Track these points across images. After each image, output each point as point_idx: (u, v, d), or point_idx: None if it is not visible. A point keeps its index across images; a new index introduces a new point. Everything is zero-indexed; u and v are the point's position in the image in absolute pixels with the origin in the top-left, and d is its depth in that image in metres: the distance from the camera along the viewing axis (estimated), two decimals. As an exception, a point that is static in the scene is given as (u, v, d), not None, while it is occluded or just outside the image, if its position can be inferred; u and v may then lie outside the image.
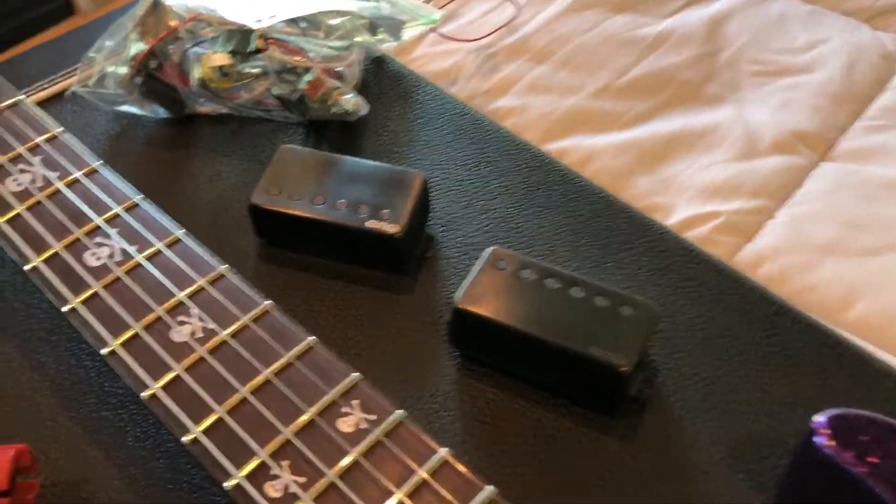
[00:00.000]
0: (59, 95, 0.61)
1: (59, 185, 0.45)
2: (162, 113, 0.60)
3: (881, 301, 0.65)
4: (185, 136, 0.59)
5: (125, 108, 0.59)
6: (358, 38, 0.60)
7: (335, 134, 0.59)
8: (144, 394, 0.37)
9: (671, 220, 0.73)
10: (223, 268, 0.41)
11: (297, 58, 0.55)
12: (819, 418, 0.38)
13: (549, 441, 0.43)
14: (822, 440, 0.37)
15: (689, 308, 0.49)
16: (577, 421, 0.44)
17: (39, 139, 0.48)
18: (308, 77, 0.54)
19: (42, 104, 0.61)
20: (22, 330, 0.48)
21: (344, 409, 0.36)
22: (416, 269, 0.51)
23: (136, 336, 0.39)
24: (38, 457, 0.42)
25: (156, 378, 0.37)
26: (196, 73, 0.55)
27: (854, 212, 0.71)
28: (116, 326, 0.39)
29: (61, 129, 0.48)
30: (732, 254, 0.70)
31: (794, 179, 0.75)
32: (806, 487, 0.39)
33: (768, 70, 0.85)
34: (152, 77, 0.57)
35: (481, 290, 0.45)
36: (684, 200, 0.74)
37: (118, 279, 0.41)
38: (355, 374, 0.37)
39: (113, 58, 0.58)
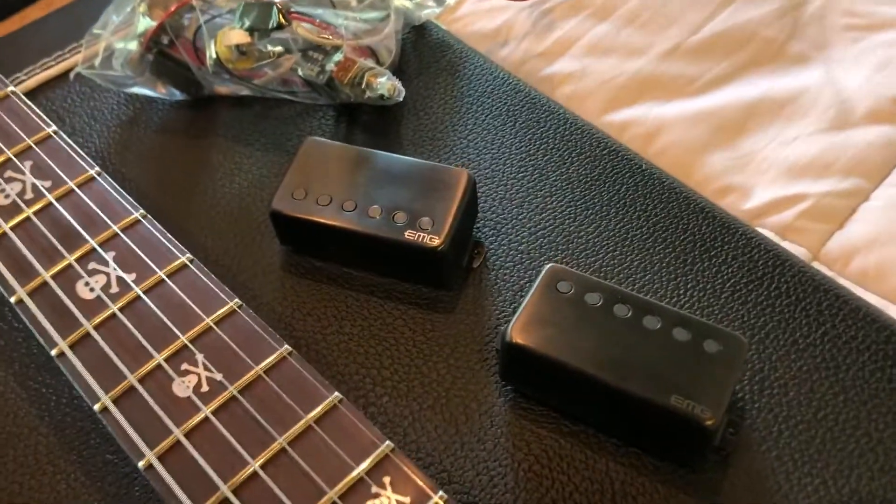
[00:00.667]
0: (64, 75, 0.55)
1: (50, 197, 0.39)
2: (177, 95, 0.53)
3: None
4: (202, 121, 0.53)
5: (136, 89, 0.53)
6: (396, 3, 0.52)
7: (370, 118, 0.52)
8: (141, 463, 0.31)
9: (750, 204, 0.65)
10: (234, 303, 0.35)
11: (325, 34, 0.47)
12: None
13: (619, 499, 0.37)
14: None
15: (783, 333, 0.41)
16: (652, 476, 0.37)
17: (30, 140, 0.41)
18: (337, 57, 0.47)
19: (46, 85, 0.55)
20: (20, 354, 0.43)
21: (374, 490, 0.30)
22: (461, 283, 0.44)
23: (131, 389, 0.33)
24: (35, 511, 0.37)
25: (152, 444, 0.31)
26: (212, 51, 0.49)
27: (965, 194, 0.62)
28: (110, 376, 0.33)
29: (54, 128, 0.42)
30: (821, 244, 0.62)
31: (894, 155, 0.66)
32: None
33: (863, 24, 0.75)
34: (164, 55, 0.51)
35: (538, 318, 0.38)
36: (766, 180, 0.65)
37: (113, 316, 0.35)
38: (387, 444, 0.31)
39: (120, 33, 0.51)
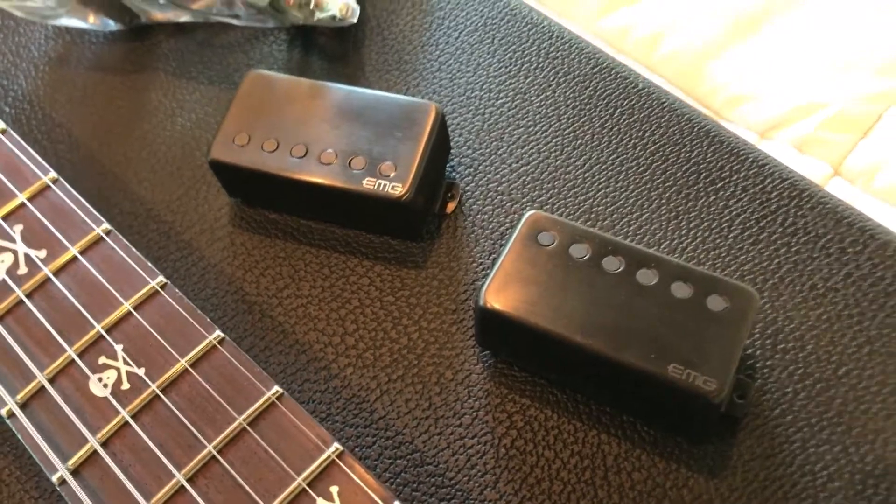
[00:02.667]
0: (-16, 8, 0.49)
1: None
2: (110, 25, 0.47)
3: None
4: (139, 53, 0.47)
5: (63, 21, 0.47)
6: None
7: (327, 42, 0.45)
8: (54, 478, 0.27)
9: (765, 115, 0.58)
10: (157, 282, 0.30)
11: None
12: None
13: (613, 476, 0.33)
14: None
15: (800, 277, 0.36)
16: (650, 449, 0.33)
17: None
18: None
19: (-35, 20, 0.49)
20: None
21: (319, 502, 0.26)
22: (433, 232, 0.39)
23: (41, 390, 0.29)
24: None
25: (66, 455, 0.27)
26: (141, -27, 0.42)
27: None
28: (18, 375, 0.29)
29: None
30: (842, 157, 0.56)
31: (927, 49, 0.59)
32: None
33: None
34: (89, -21, 0.44)
35: (516, 277, 0.33)
36: (782, 85, 0.58)
37: (19, 303, 0.30)
38: (335, 447, 0.27)
39: (37, -44, 0.45)
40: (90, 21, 0.47)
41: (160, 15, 0.46)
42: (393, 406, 0.35)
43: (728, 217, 0.38)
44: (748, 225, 0.38)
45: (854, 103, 0.58)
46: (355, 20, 0.41)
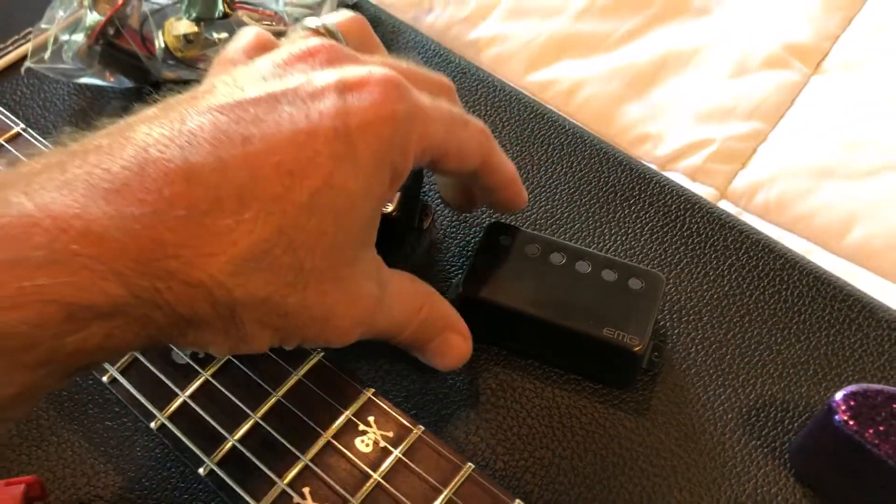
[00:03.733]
0: (12, 67, 0.57)
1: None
2: (126, 82, 0.56)
3: (881, 225, 0.64)
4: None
5: (85, 79, 0.55)
6: (328, -19, 0.56)
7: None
8: (153, 424, 0.36)
9: (664, 150, 0.71)
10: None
11: (268, 21, 0.51)
12: (838, 396, 0.37)
13: (566, 420, 0.43)
14: (842, 419, 0.37)
15: (696, 267, 0.48)
16: (592, 398, 0.44)
17: (2, 140, 0.44)
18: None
19: (-5, 78, 0.57)
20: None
21: (361, 428, 0.35)
22: (414, 245, 0.49)
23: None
24: (46, 477, 0.41)
25: (161, 406, 0.36)
26: (160, 41, 0.51)
27: (848, 130, 0.69)
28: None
29: (22, 126, 0.45)
30: (727, 183, 0.69)
31: (787, 97, 0.73)
32: (825, 461, 0.39)
33: (756, -25, 0.81)
34: (112, 46, 0.53)
35: (485, 271, 0.43)
36: (677, 127, 0.71)
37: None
38: (370, 389, 0.36)
39: (67, 26, 0.53)
40: (108, 79, 0.56)
41: (171, 74, 0.55)
42: (388, 377, 0.44)
43: (640, 225, 0.50)
44: (654, 230, 0.49)
45: (733, 141, 0.72)
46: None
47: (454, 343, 0.40)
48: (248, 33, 0.35)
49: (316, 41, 0.32)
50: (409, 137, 0.31)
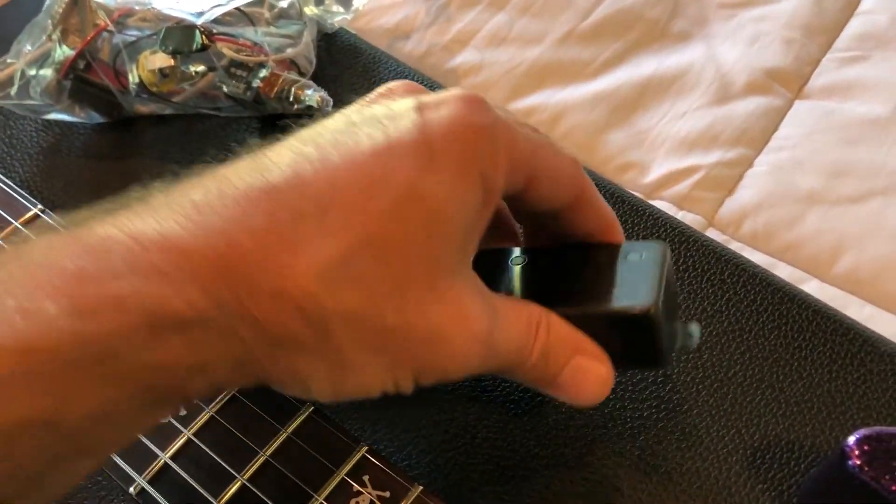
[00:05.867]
0: (-24, 103, 0.55)
1: (-3, 238, 0.40)
2: (96, 118, 0.54)
3: (869, 252, 0.64)
4: (125, 142, 0.53)
5: (54, 115, 0.53)
6: (308, 12, 0.54)
7: (297, 127, 0.53)
8: (132, 489, 0.33)
9: (649, 178, 0.70)
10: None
11: (248, 53, 0.49)
12: (850, 440, 0.36)
13: (571, 463, 0.41)
14: (856, 464, 0.35)
15: (693, 303, 0.47)
16: (599, 450, 0.42)
17: None
18: (263, 73, 0.48)
19: (-42, 115, 0.54)
20: None
21: (356, 489, 0.33)
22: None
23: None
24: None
25: (141, 469, 0.33)
26: (135, 76, 0.49)
27: (833, 157, 0.69)
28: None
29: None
30: (714, 211, 0.68)
31: (771, 123, 0.73)
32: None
33: (735, 1, 0.81)
34: (82, 80, 0.51)
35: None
36: (661, 155, 0.71)
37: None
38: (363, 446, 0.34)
39: (32, 60, 0.51)
40: (77, 114, 0.53)
41: (144, 108, 0.53)
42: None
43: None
44: (650, 265, 0.48)
45: (720, 168, 0.71)
46: (329, 109, 0.50)
47: (589, 368, 0.34)
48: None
49: (395, 82, 0.33)
50: (496, 147, 0.29)
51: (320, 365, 0.27)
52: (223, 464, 0.33)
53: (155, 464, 0.33)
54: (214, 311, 0.25)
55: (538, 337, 0.33)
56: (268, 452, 0.33)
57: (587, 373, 0.34)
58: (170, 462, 0.34)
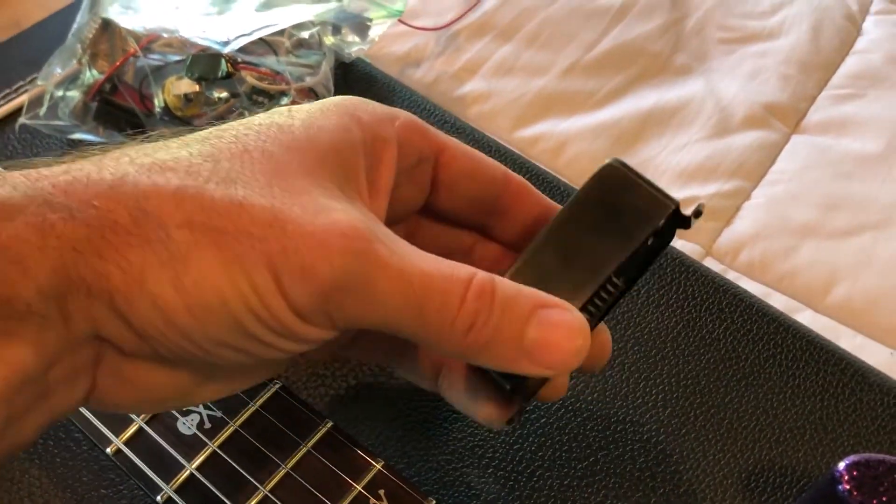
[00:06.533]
0: (3, 122, 0.57)
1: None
2: (118, 137, 0.55)
3: (861, 283, 0.66)
4: (148, 162, 0.55)
5: (78, 135, 0.55)
6: (326, 41, 0.56)
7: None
8: (159, 497, 0.35)
9: (650, 208, 0.72)
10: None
11: (269, 81, 0.51)
12: (841, 466, 0.38)
13: (580, 487, 0.43)
14: (846, 489, 0.37)
15: (692, 331, 0.48)
16: (595, 462, 0.44)
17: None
18: (284, 102, 0.50)
19: (-14, 132, 0.56)
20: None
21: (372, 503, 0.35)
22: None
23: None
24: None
25: (168, 478, 0.35)
26: (160, 100, 0.51)
27: (828, 190, 0.71)
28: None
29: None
30: (712, 241, 0.70)
31: (768, 156, 0.75)
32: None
33: (735, 36, 0.84)
34: (107, 102, 0.53)
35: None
36: (661, 185, 0.73)
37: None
38: (380, 461, 0.36)
39: (60, 81, 0.53)
40: (101, 134, 0.55)
41: (166, 130, 0.55)
42: (393, 442, 0.44)
43: (635, 287, 0.50)
44: (651, 294, 0.50)
45: (718, 199, 0.73)
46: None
47: (555, 319, 0.28)
48: None
49: None
50: (375, 105, 0.32)
51: (152, 258, 0.23)
52: (246, 475, 0.35)
53: (181, 474, 0.35)
54: (22, 198, 0.23)
55: (471, 282, 0.27)
56: (289, 465, 0.35)
57: (556, 326, 0.27)
58: (195, 473, 0.35)
